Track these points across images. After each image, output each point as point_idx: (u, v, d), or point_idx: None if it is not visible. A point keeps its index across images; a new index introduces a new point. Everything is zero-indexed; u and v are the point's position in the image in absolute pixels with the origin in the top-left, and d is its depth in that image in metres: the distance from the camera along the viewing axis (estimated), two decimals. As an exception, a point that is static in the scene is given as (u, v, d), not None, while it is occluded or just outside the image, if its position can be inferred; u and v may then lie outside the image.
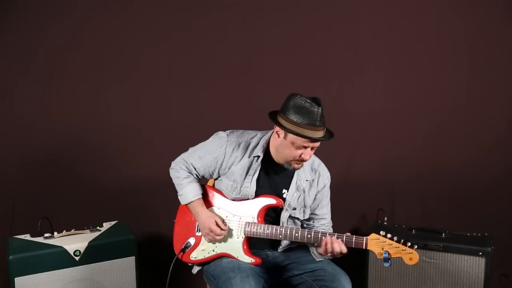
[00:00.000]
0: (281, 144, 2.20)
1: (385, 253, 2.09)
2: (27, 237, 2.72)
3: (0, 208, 3.10)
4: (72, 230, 2.76)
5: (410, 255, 2.09)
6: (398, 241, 2.09)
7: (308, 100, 2.12)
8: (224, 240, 2.29)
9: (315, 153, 2.30)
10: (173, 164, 2.42)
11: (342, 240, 2.13)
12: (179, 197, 2.38)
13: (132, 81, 3.22)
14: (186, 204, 2.36)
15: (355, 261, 3.03)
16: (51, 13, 3.07)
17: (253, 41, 3.28)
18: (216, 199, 2.36)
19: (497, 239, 2.91)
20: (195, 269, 2.41)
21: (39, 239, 2.67)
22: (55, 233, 2.71)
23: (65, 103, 3.16)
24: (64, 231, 2.74)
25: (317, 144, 2.18)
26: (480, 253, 2.76)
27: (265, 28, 3.28)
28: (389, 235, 2.10)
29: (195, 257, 2.33)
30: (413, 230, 2.97)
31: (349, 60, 3.34)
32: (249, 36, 3.27)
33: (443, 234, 2.91)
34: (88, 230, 2.79)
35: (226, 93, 3.27)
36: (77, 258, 2.63)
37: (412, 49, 3.33)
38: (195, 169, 2.36)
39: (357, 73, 3.36)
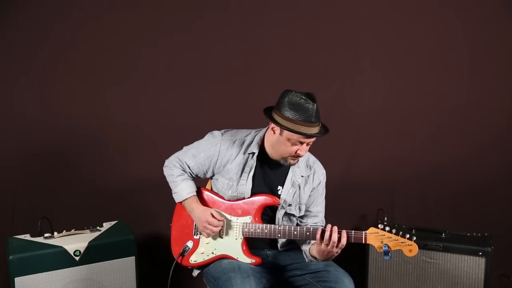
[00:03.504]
0: (277, 141, 2.19)
1: (385, 246, 2.09)
2: (27, 237, 2.72)
3: (0, 208, 3.10)
4: (72, 230, 2.76)
5: (409, 247, 2.09)
6: (396, 234, 2.10)
7: (303, 97, 2.12)
8: (223, 242, 2.28)
9: (312, 151, 2.30)
10: (167, 162, 2.41)
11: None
12: (173, 195, 2.37)
13: (132, 81, 3.22)
14: (181, 202, 2.34)
15: (355, 261, 3.04)
16: (52, 12, 3.07)
17: (253, 41, 3.28)
18: (211, 201, 2.33)
19: (497, 239, 2.91)
20: (195, 272, 2.40)
21: (39, 239, 2.67)
22: (55, 233, 2.71)
23: (66, 102, 3.16)
24: (64, 231, 2.74)
25: (313, 139, 2.18)
26: (480, 253, 2.76)
27: (265, 28, 3.28)
28: (387, 228, 2.11)
29: (194, 261, 2.32)
30: (413, 230, 2.97)
31: (349, 60, 3.34)
32: (250, 36, 3.27)
33: (443, 234, 2.91)
34: (88, 230, 2.79)
35: (227, 93, 3.27)
36: (77, 258, 2.63)
37: (412, 49, 3.33)
38: (189, 167, 2.35)
39: (357, 73, 3.36)
